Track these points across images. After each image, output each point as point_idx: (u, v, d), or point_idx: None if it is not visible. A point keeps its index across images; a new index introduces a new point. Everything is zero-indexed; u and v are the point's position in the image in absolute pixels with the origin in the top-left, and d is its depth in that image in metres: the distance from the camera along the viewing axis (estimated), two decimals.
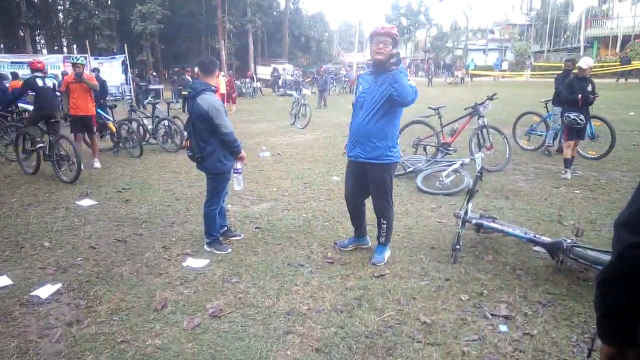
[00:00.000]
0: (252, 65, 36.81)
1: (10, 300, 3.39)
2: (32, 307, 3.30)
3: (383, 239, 3.93)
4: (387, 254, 3.97)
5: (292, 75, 30.92)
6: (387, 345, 2.75)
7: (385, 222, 3.88)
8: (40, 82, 7.25)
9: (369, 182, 3.86)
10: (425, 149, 7.55)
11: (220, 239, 4.31)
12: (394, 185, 4.01)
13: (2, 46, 37.69)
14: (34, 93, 7.31)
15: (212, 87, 4.05)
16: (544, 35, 45.55)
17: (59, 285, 3.58)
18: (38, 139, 7.10)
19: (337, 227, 4.80)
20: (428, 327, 2.93)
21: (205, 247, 4.24)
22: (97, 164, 7.84)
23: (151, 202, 5.82)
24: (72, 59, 8.08)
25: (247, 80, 28.91)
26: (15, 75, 13.31)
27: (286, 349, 2.73)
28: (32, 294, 3.47)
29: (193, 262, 3.98)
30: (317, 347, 2.74)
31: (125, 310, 3.19)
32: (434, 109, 7.42)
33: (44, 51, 42.30)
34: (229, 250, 4.19)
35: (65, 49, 40.03)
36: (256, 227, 4.85)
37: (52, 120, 7.17)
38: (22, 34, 36.86)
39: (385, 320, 3.03)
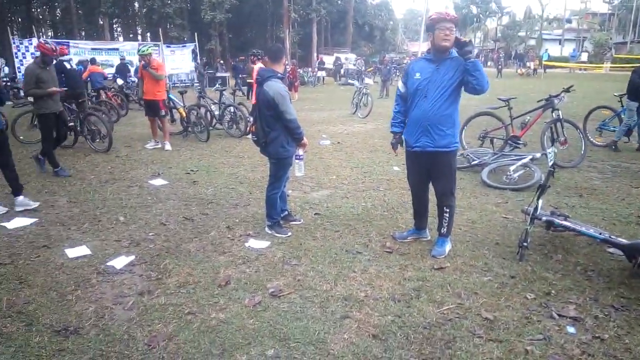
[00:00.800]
0: (315, 55, 36.98)
1: (88, 268, 3.68)
2: (107, 275, 3.57)
3: (445, 229, 3.85)
4: (448, 246, 3.88)
5: (354, 65, 30.75)
6: (446, 337, 2.71)
7: (447, 211, 3.80)
8: (67, 66, 8.45)
9: (432, 172, 3.79)
10: (492, 142, 7.26)
11: (281, 222, 4.41)
12: (457, 178, 3.91)
13: (83, 34, 40.37)
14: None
15: (279, 74, 4.13)
16: (628, 25, 42.00)
17: (132, 257, 3.84)
18: (68, 118, 7.70)
19: (396, 217, 4.76)
20: (490, 323, 2.85)
21: (267, 229, 4.35)
22: (168, 147, 8.29)
23: (216, 184, 6.06)
24: (139, 50, 8.64)
25: (310, 69, 29.13)
26: (93, 61, 14.21)
27: (343, 333, 2.76)
28: (108, 263, 3.75)
29: (255, 243, 4.11)
30: (374, 333, 2.75)
31: (192, 284, 3.37)
32: (503, 100, 7.10)
33: (120, 38, 44.88)
34: (289, 233, 4.28)
35: (139, 37, 42.28)
36: (315, 213, 4.91)
37: (80, 100, 8.26)
38: (102, 22, 39.28)
39: (445, 313, 2.97)
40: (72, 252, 3.93)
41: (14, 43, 19.20)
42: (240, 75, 18.67)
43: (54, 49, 6.23)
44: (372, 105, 12.56)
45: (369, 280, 3.42)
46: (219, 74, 23.50)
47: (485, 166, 6.22)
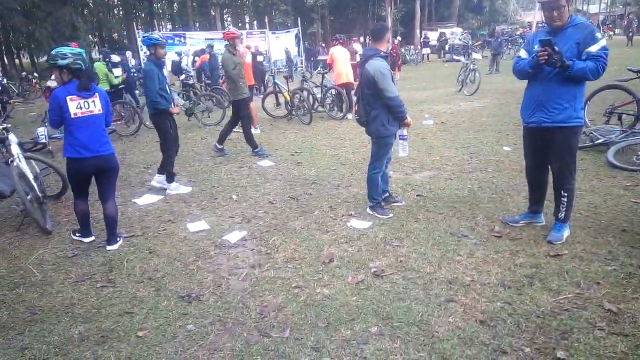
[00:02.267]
0: (418, 31, 35.71)
1: (207, 241, 4.03)
2: (223, 249, 3.87)
3: (562, 215, 3.54)
4: (566, 232, 3.58)
5: (460, 39, 29.16)
6: (562, 328, 2.52)
7: (566, 195, 3.48)
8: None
9: (550, 151, 3.49)
10: (620, 118, 6.46)
11: (382, 203, 4.40)
12: (577, 158, 3.55)
13: (197, 25, 43.34)
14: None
15: (381, 53, 4.07)
16: None
17: (244, 233, 4.12)
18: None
19: (505, 200, 4.49)
20: (613, 316, 2.59)
21: (368, 210, 4.38)
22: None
23: (319, 165, 6.21)
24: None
25: (412, 46, 28.25)
26: (203, 51, 15.16)
27: (448, 316, 2.70)
28: (224, 238, 4.06)
29: (356, 223, 4.17)
30: (481, 319, 2.65)
31: (298, 260, 3.53)
32: (634, 72, 6.26)
33: (230, 27, 47.42)
34: (390, 215, 4.26)
35: (247, 25, 44.30)
36: (417, 195, 4.82)
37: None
38: (213, 13, 41.78)
39: (561, 302, 2.76)
40: (192, 227, 4.33)
41: (139, 36, 21.17)
42: (311, 58, 18.76)
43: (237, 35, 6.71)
44: (480, 82, 11.86)
45: (475, 265, 3.29)
46: (320, 57, 23.83)
47: (611, 145, 5.57)
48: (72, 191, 4.06)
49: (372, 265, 3.37)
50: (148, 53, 5.47)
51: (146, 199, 5.21)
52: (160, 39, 5.33)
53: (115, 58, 11.57)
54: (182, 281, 3.34)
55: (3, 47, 33.58)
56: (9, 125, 4.88)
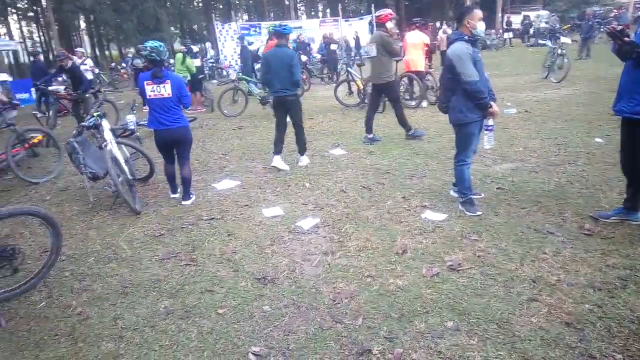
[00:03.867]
0: (499, 15, 33.80)
1: (281, 227, 4.13)
2: (297, 235, 3.95)
3: None
4: None
5: (546, 22, 27.18)
6: None
7: None
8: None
9: (637, 142, 3.21)
10: None
11: (474, 199, 4.13)
12: None
13: (272, 15, 44.21)
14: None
15: (465, 36, 3.89)
16: None
17: (317, 220, 4.17)
18: None
19: (597, 196, 4.15)
20: None
21: (459, 206, 4.14)
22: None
23: (392, 155, 6.12)
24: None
25: (494, 30, 26.80)
26: (271, 37, 15.40)
27: (530, 316, 2.56)
28: (297, 224, 4.14)
29: (431, 215, 4.06)
30: (567, 320, 2.49)
31: (371, 250, 3.51)
32: None
33: (303, 17, 47.86)
34: (479, 212, 4.00)
35: (320, 14, 44.42)
36: (498, 188, 4.59)
37: None
38: (287, 3, 42.36)
39: None
40: (268, 212, 4.46)
41: (217, 28, 21.95)
42: None
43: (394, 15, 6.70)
44: (569, 68, 11.01)
45: (562, 264, 3.08)
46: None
47: None
48: (162, 157, 4.98)
49: (448, 258, 3.28)
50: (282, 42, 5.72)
51: (225, 184, 5.43)
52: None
53: (195, 49, 12.15)
54: (259, 264, 3.46)
55: (95, 40, 36.44)
56: (103, 113, 5.28)
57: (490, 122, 4.02)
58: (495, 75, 13.47)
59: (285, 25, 5.80)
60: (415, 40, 9.11)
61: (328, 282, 3.11)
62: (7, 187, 5.99)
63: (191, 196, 4.98)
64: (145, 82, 4.57)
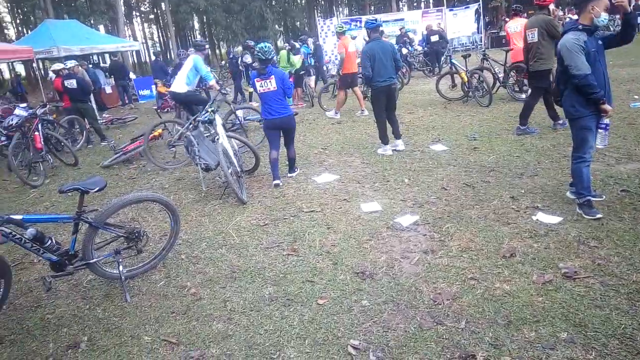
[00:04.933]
0: None
1: (379, 222, 4.12)
2: (395, 231, 3.91)
3: None
4: None
5: None
6: None
7: None
8: None
9: None
10: None
11: (592, 201, 3.75)
12: None
13: (373, 8, 43.88)
14: None
15: (579, 26, 3.54)
16: None
17: (416, 217, 4.09)
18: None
19: None
20: None
21: (577, 208, 3.80)
22: (359, 113, 9.32)
23: (499, 151, 5.78)
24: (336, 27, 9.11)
25: (618, 16, 23.96)
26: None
27: None
28: (396, 220, 4.10)
29: (544, 217, 3.77)
30: None
31: (475, 251, 3.37)
32: None
33: (405, 8, 46.89)
34: (598, 215, 3.64)
35: (422, 5, 43.19)
36: (622, 190, 4.13)
37: None
38: None
39: None
40: (366, 207, 4.47)
41: (319, 24, 22.36)
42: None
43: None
44: None
45: None
46: (503, 33, 21.94)
47: None
48: (269, 142, 5.56)
49: (563, 265, 3.02)
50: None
51: (324, 178, 5.55)
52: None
53: (296, 45, 12.51)
54: (357, 258, 3.49)
55: (207, 39, 39.17)
56: (215, 109, 5.67)
57: (606, 120, 3.62)
58: (620, 66, 12.09)
59: (374, 19, 6.43)
60: (518, 29, 8.45)
61: (428, 282, 3.04)
62: (131, 176, 6.70)
63: (296, 169, 5.79)
64: (255, 80, 5.32)
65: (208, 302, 3.13)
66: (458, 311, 2.68)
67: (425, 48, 15.61)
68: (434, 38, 14.98)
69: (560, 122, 6.32)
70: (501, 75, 9.21)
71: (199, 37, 47.11)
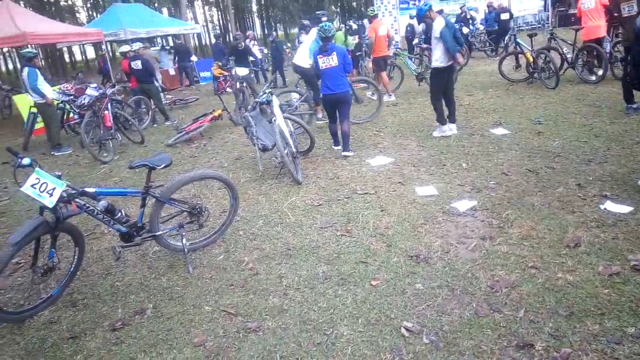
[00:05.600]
0: None
1: (435, 206, 4.05)
2: (451, 216, 3.84)
3: None
4: None
5: None
6: None
7: None
8: None
9: None
10: None
11: None
12: None
13: None
14: None
15: None
16: None
17: (474, 203, 3.99)
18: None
19: None
20: None
21: None
22: (388, 97, 9.12)
23: (565, 136, 5.48)
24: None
25: None
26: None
27: None
28: (452, 205, 4.02)
29: (612, 206, 3.56)
30: None
31: (536, 239, 3.24)
32: None
33: None
34: None
35: None
36: None
37: None
38: None
39: None
40: (421, 191, 4.41)
41: (376, 3, 21.83)
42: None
43: None
44: None
45: None
46: (573, 10, 20.52)
47: None
48: (327, 116, 6.09)
49: (632, 257, 2.85)
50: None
51: (378, 160, 5.51)
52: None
53: (353, 26, 12.37)
54: (411, 242, 3.47)
55: (264, 21, 39.52)
56: (273, 90, 5.76)
57: None
58: None
59: (426, 2, 6.45)
60: (592, 5, 7.85)
61: (485, 269, 2.97)
62: (193, 154, 6.97)
63: (350, 150, 5.87)
64: (318, 56, 5.68)
65: (264, 277, 3.24)
66: (516, 300, 2.61)
67: (493, 27, 14.85)
68: (505, 16, 14.25)
69: (635, 106, 5.88)
70: (570, 55, 8.67)
71: (256, 20, 47.60)
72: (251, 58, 10.50)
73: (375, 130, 7.03)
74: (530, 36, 8.96)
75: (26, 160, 2.96)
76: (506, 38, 12.58)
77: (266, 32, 39.48)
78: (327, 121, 7.28)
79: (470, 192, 4.26)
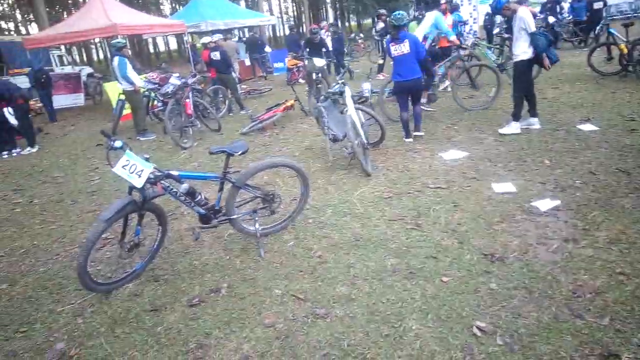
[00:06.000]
0: None
1: (513, 204, 3.87)
2: (531, 215, 3.64)
3: None
4: None
5: None
6: None
7: None
8: None
9: None
10: None
11: None
12: None
13: None
14: None
15: None
16: None
17: (557, 202, 3.76)
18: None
19: None
20: None
21: None
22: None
23: None
24: None
25: None
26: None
27: None
28: (532, 203, 3.81)
29: None
30: None
31: (626, 244, 3.00)
32: None
33: None
34: None
35: None
36: None
37: None
38: None
39: None
40: (498, 187, 4.23)
41: None
42: None
43: None
44: None
45: None
46: None
47: None
48: (398, 104, 6.11)
49: None
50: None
51: (452, 154, 5.35)
52: None
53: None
54: (486, 239, 3.34)
55: (337, 12, 39.52)
56: (345, 80, 5.76)
57: None
58: None
59: None
60: None
61: (567, 272, 2.80)
62: (265, 143, 7.16)
63: (422, 131, 6.14)
64: (390, 44, 5.86)
65: (333, 265, 3.27)
66: (601, 307, 2.44)
67: (581, 17, 13.78)
68: (598, 5, 13.18)
69: None
70: None
71: (330, 11, 47.70)
72: (324, 50, 10.55)
73: (449, 123, 6.81)
74: (626, 26, 8.22)
75: (118, 143, 3.20)
76: (597, 28, 11.64)
77: (339, 23, 39.46)
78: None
79: (553, 190, 4.02)
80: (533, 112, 5.91)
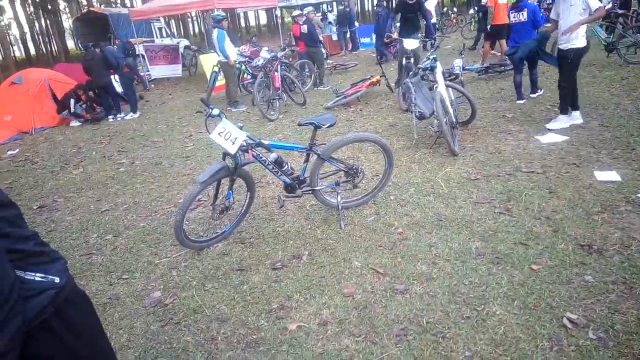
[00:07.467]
0: None
1: (617, 194, 3.55)
2: (637, 207, 3.32)
3: None
4: None
5: None
6: None
7: None
8: None
9: None
10: None
11: None
12: None
13: None
14: None
15: None
16: None
17: None
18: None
19: None
20: None
21: None
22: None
23: None
24: None
25: None
26: None
27: None
28: (639, 195, 3.47)
29: None
30: None
31: None
32: None
33: None
34: None
35: None
36: None
37: None
38: None
39: None
40: (600, 175, 3.89)
41: None
42: None
43: None
44: None
45: None
46: None
47: None
48: (514, 68, 6.61)
49: None
50: None
51: (549, 138, 4.99)
52: None
53: None
54: (583, 229, 3.11)
55: None
56: (436, 56, 5.54)
57: None
58: None
59: None
60: None
61: None
62: (349, 118, 7.16)
63: (538, 91, 6.69)
64: (510, 12, 6.54)
65: (413, 243, 3.24)
66: None
67: None
68: None
69: None
70: None
71: None
72: (424, 21, 8.99)
73: (549, 104, 6.33)
74: None
75: (216, 111, 3.38)
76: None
77: None
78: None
79: None
80: (575, 106, 5.39)
